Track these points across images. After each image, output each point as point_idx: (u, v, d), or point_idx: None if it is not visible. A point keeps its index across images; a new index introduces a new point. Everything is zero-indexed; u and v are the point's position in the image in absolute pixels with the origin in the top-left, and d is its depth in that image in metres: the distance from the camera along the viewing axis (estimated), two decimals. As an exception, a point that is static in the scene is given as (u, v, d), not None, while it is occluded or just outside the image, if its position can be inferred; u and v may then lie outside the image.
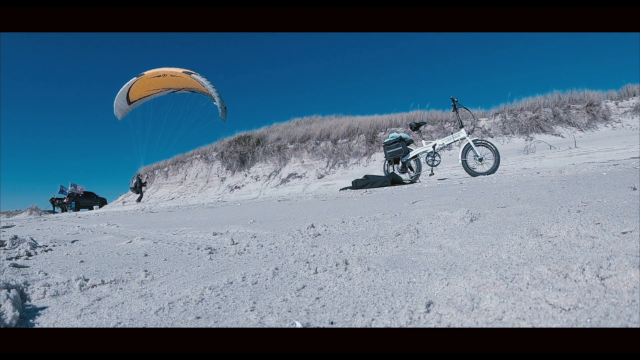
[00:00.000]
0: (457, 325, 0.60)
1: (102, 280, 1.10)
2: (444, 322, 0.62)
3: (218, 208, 5.42)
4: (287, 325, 0.68)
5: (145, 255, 1.58)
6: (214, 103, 10.28)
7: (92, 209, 22.63)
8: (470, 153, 5.99)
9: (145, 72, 10.39)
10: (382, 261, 1.06)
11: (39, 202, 30.98)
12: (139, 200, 16.82)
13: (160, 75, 10.41)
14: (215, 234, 2.05)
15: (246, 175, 14.68)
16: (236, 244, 1.64)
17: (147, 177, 19.98)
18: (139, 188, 16.71)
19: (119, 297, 0.94)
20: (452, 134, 7.40)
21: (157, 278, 1.13)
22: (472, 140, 6.00)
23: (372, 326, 0.65)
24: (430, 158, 6.45)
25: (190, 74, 10.01)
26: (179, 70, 10.17)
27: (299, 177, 13.17)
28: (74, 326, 0.76)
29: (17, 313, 0.76)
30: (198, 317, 0.75)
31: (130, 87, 10.73)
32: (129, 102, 11.15)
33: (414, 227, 1.47)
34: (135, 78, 10.47)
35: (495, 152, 5.76)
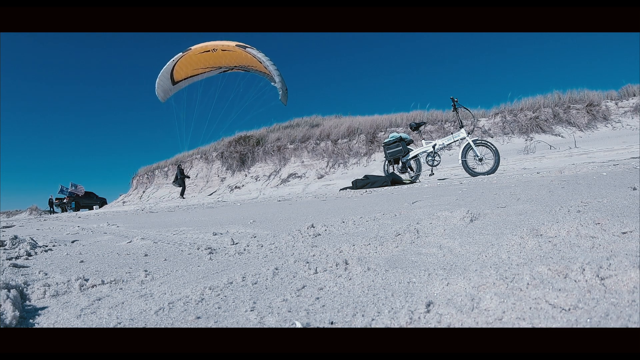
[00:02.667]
0: (457, 325, 0.60)
1: (102, 280, 1.10)
2: (444, 322, 0.62)
3: (218, 208, 5.42)
4: (287, 325, 0.68)
5: (145, 255, 1.58)
6: (273, 84, 8.79)
7: (92, 209, 22.65)
8: (470, 153, 5.99)
9: (192, 47, 8.94)
10: (382, 261, 1.06)
11: (39, 202, 31.02)
12: (181, 194, 14.33)
13: (209, 50, 8.95)
14: (215, 234, 2.05)
15: (246, 175, 14.67)
16: (236, 244, 1.64)
17: (185, 168, 17.00)
18: (180, 180, 14.22)
19: (119, 297, 0.94)
20: (452, 134, 7.40)
21: (157, 278, 1.13)
22: (472, 140, 5.99)
23: (372, 326, 0.65)
24: (430, 158, 6.45)
25: (245, 47, 8.60)
26: (231, 44, 8.68)
27: (299, 177, 13.17)
28: (74, 326, 0.76)
29: (17, 313, 0.76)
30: (198, 317, 0.75)
31: (175, 65, 9.19)
32: (174, 82, 9.60)
33: (414, 227, 1.47)
34: (180, 54, 9.04)
35: (495, 152, 5.76)
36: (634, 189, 1.72)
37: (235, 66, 9.60)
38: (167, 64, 9.21)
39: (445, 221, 1.54)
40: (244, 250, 1.48)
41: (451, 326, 0.60)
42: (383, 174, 6.96)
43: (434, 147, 6.44)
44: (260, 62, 8.57)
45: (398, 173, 6.75)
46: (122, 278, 1.14)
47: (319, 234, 1.67)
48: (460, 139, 6.24)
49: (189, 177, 15.34)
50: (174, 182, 14.65)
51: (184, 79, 9.76)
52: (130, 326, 0.73)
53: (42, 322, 0.79)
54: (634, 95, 11.64)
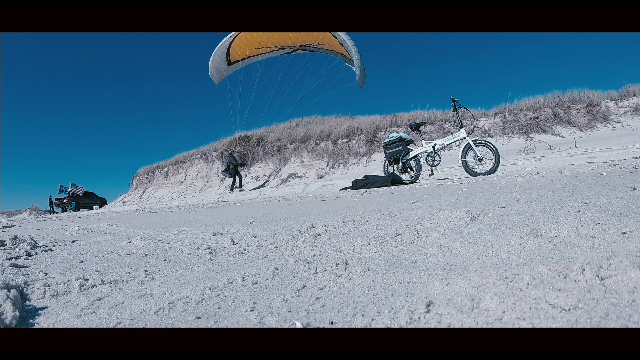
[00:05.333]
0: (457, 325, 0.60)
1: (102, 280, 1.09)
2: (444, 322, 0.62)
3: (218, 208, 5.41)
4: (287, 325, 0.68)
5: (145, 255, 1.58)
6: (347, 64, 7.20)
7: (92, 209, 22.65)
8: (470, 153, 5.99)
9: None
10: (382, 261, 1.06)
11: (39, 202, 31.05)
12: (237, 187, 11.94)
13: None
14: (215, 234, 2.05)
15: (246, 176, 14.66)
16: (236, 244, 1.64)
17: (239, 155, 13.75)
18: (232, 170, 11.76)
19: (119, 297, 0.94)
20: (452, 134, 7.40)
21: (157, 278, 1.13)
22: (472, 140, 6.00)
23: (372, 326, 0.64)
24: (430, 158, 6.45)
25: None
26: None
27: (299, 177, 13.16)
28: (74, 326, 0.76)
29: (17, 313, 0.76)
30: (198, 317, 0.75)
31: (232, 42, 7.99)
32: (230, 62, 8.30)
33: (414, 227, 1.47)
34: None
35: (495, 152, 5.76)
36: (634, 189, 1.72)
37: (301, 45, 8.24)
38: (223, 40, 7.98)
39: (445, 221, 1.54)
40: (244, 250, 1.47)
41: (451, 326, 0.60)
42: (383, 174, 6.96)
43: (434, 147, 6.44)
44: (335, 37, 7.20)
45: (398, 173, 6.75)
46: (122, 278, 1.14)
47: (319, 234, 1.67)
48: (460, 139, 6.24)
49: (243, 165, 12.59)
50: (223, 172, 12.16)
51: (242, 59, 8.34)
52: (130, 326, 0.73)
53: (42, 322, 0.79)
54: (634, 95, 11.63)
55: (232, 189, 12.16)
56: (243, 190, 12.04)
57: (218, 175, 15.68)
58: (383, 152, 7.80)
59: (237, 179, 12.15)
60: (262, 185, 12.96)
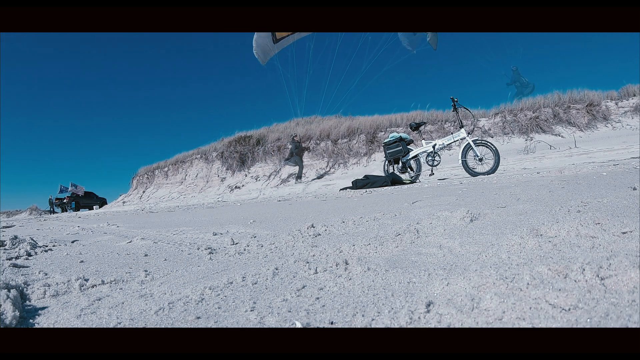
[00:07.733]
0: (457, 325, 0.60)
1: (102, 280, 1.10)
2: (444, 322, 0.62)
3: (218, 208, 5.42)
4: (287, 325, 0.68)
5: (145, 255, 1.58)
6: None
7: (92, 209, 22.66)
8: (470, 153, 5.99)
9: None
10: (382, 261, 1.06)
11: (39, 202, 31.03)
12: (299, 177, 11.26)
13: None
14: (215, 234, 2.05)
15: (246, 175, 14.66)
16: (236, 244, 1.64)
17: (303, 140, 12.75)
18: (297, 158, 11.13)
19: (119, 297, 0.94)
20: (452, 134, 7.39)
21: (157, 278, 1.13)
22: (472, 140, 6.00)
23: (372, 326, 0.64)
24: (430, 158, 6.45)
25: None
26: None
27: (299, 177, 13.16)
28: (74, 326, 0.76)
29: (17, 313, 0.76)
30: (198, 317, 0.75)
31: None
32: (275, 40, 7.67)
33: (414, 227, 1.47)
34: None
35: (495, 152, 5.76)
36: (634, 189, 1.72)
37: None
38: None
39: (445, 221, 1.54)
40: (244, 250, 1.47)
41: (451, 326, 0.60)
42: (383, 174, 6.96)
43: (434, 147, 6.44)
44: None
45: (398, 173, 6.75)
46: (122, 278, 1.14)
47: (319, 234, 1.67)
48: (460, 139, 6.24)
49: (308, 150, 11.73)
50: (286, 160, 11.54)
51: (288, 35, 7.63)
52: (130, 326, 0.73)
53: (42, 322, 0.79)
54: (634, 95, 11.63)
55: (300, 179, 11.53)
56: (300, 182, 11.32)
57: (218, 175, 15.69)
58: (383, 152, 7.80)
59: (301, 166, 11.47)
60: (320, 176, 12.45)
